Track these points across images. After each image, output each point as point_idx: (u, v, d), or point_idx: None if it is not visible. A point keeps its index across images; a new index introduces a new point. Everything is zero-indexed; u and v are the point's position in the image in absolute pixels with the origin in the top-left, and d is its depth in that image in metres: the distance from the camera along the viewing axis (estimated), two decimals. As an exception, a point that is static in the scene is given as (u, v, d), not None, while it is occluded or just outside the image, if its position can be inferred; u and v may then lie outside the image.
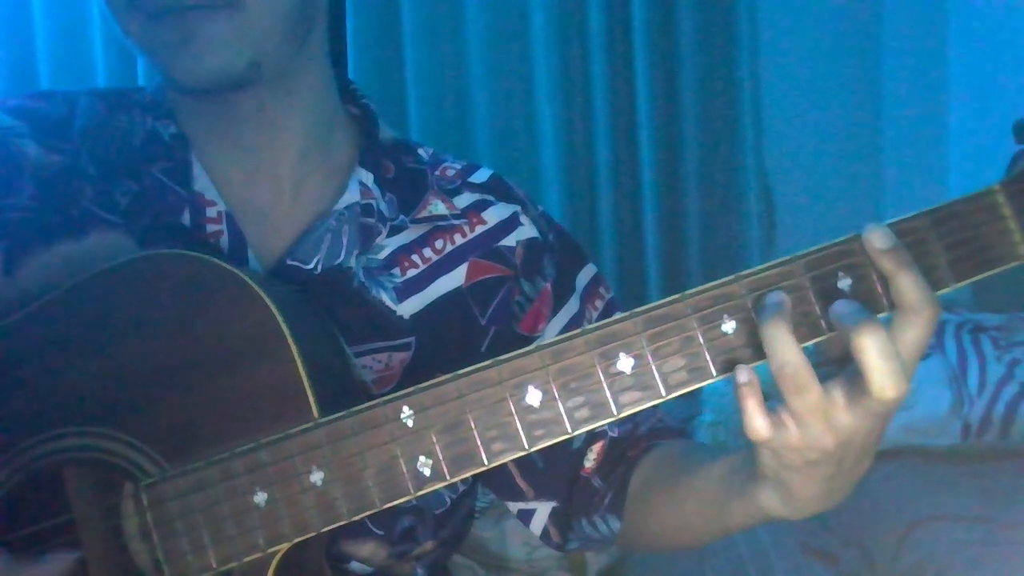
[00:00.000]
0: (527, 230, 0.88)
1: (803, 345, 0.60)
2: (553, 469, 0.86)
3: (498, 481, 0.89)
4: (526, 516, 0.89)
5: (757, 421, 0.59)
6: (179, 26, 0.70)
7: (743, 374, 0.58)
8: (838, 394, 0.58)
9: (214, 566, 0.64)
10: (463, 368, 0.62)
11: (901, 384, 0.56)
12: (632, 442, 0.86)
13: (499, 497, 0.91)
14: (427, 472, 0.62)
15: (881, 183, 2.53)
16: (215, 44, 0.70)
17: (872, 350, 0.55)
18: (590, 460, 0.86)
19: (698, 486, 0.75)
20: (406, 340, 0.81)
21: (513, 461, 0.84)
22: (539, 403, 0.61)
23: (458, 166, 0.90)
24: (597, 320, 0.86)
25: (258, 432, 0.64)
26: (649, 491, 0.82)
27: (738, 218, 2.39)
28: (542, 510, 0.88)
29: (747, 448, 0.67)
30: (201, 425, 0.65)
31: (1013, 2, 2.25)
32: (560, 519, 0.88)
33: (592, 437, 0.86)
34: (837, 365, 0.61)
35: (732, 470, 0.71)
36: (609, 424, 0.84)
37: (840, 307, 0.58)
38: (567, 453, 0.86)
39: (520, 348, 0.62)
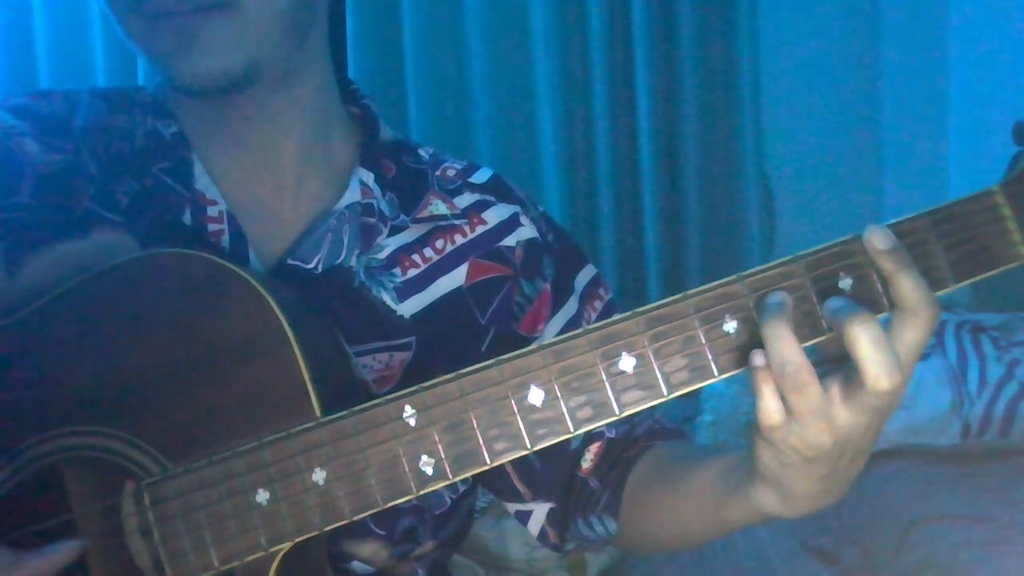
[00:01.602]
0: (527, 231, 0.88)
1: (804, 345, 0.60)
2: (550, 470, 0.86)
3: (496, 482, 0.89)
4: (523, 517, 0.89)
5: (772, 405, 0.59)
6: (179, 29, 0.70)
7: (758, 358, 0.58)
8: (835, 391, 0.59)
9: (216, 565, 0.64)
10: (463, 368, 0.62)
11: (895, 375, 0.56)
12: (629, 443, 0.86)
13: (497, 498, 0.92)
14: (429, 471, 0.62)
15: (881, 183, 2.53)
16: (214, 47, 0.70)
17: (864, 340, 0.56)
18: (587, 461, 0.86)
19: (694, 485, 0.75)
20: (406, 340, 0.81)
21: (511, 462, 0.84)
22: (541, 402, 0.61)
23: (459, 166, 0.90)
24: (596, 321, 0.86)
25: (260, 431, 0.64)
26: (645, 491, 0.82)
27: (738, 218, 2.39)
28: (539, 511, 0.88)
29: (745, 448, 0.67)
30: (203, 424, 0.65)
31: (1013, 2, 2.25)
32: (557, 520, 0.88)
33: (589, 438, 0.86)
34: (836, 363, 0.61)
35: (728, 468, 0.71)
36: (607, 425, 0.84)
37: (833, 303, 0.58)
38: (564, 454, 0.86)
39: (519, 349, 0.62)
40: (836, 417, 0.59)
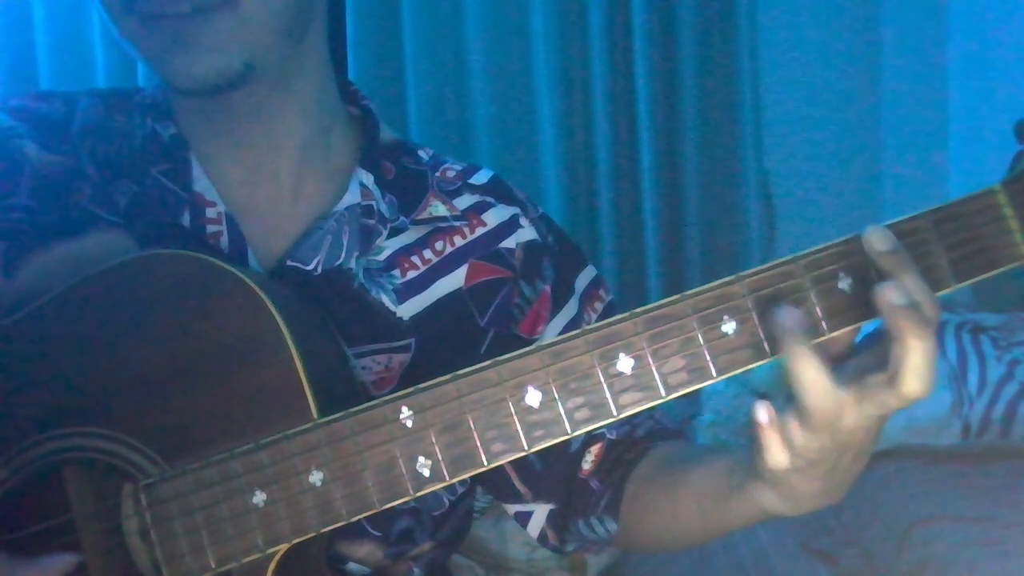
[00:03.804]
0: (527, 232, 0.88)
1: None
2: (551, 471, 0.86)
3: (496, 483, 0.89)
4: (523, 518, 0.89)
5: (780, 456, 0.60)
6: (173, 29, 0.70)
7: (763, 414, 0.58)
8: (847, 397, 0.58)
9: (213, 566, 0.64)
10: (462, 370, 0.62)
11: (929, 388, 0.56)
12: (630, 444, 0.86)
13: (497, 499, 0.91)
14: (426, 473, 0.62)
15: (881, 183, 2.52)
16: (210, 46, 0.70)
17: (920, 352, 0.55)
18: (588, 462, 0.86)
19: (695, 485, 0.75)
20: (406, 342, 0.81)
21: (511, 463, 0.84)
22: (539, 404, 0.61)
23: (458, 167, 0.90)
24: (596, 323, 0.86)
25: (257, 433, 0.64)
26: (646, 492, 0.82)
27: (738, 218, 2.39)
28: (539, 512, 0.88)
29: (745, 448, 0.67)
30: (200, 425, 0.65)
31: (1013, 2, 2.25)
32: (557, 521, 0.87)
33: (590, 439, 0.86)
34: (834, 362, 0.61)
35: (729, 468, 0.71)
36: (607, 426, 0.84)
37: (893, 296, 0.56)
38: (565, 455, 0.86)
39: (519, 350, 0.62)
40: (843, 420, 0.59)
